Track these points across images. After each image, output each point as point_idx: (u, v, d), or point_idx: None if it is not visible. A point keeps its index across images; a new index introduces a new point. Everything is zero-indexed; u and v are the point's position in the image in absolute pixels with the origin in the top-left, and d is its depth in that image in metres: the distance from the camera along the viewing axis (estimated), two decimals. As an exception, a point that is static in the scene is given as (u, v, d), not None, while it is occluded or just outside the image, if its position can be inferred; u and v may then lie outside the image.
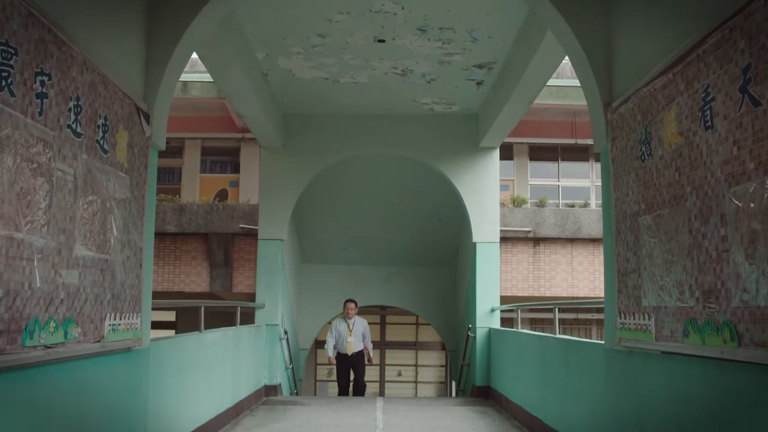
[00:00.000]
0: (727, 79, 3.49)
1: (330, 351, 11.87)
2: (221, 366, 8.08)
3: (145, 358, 5.26)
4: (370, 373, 19.19)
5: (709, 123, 3.66)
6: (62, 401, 3.95)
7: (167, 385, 6.07)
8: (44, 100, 3.58)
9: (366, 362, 12.12)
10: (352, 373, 12.04)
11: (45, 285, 3.59)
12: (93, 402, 4.38)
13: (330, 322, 12.53)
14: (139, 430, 5.13)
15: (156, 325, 6.67)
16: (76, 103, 3.97)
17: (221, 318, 12.96)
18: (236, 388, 8.77)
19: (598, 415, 5.60)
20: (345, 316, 11.95)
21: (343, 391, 12.00)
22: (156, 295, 5.78)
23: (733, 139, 3.41)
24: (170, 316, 18.24)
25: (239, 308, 9.97)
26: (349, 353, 11.78)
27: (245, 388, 9.32)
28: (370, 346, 12.13)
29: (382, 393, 19.04)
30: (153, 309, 5.55)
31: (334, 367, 12.29)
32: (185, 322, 16.76)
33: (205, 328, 7.67)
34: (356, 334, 11.81)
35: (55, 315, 3.70)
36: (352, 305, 12.00)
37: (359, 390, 11.95)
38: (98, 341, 4.30)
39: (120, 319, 4.66)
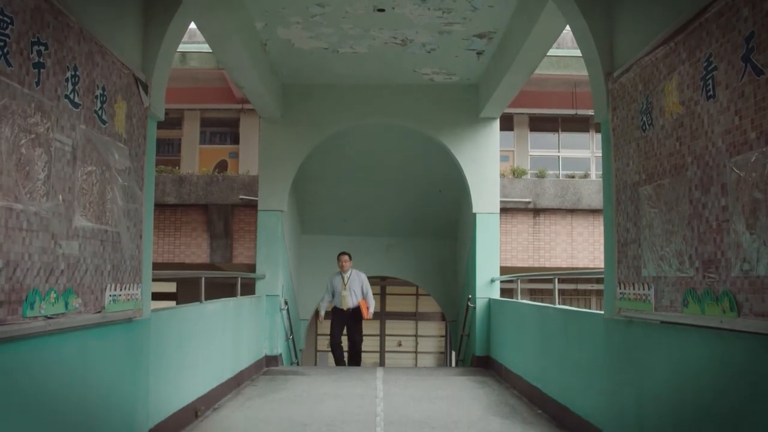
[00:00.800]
0: (729, 47, 3.46)
1: (322, 309, 11.70)
2: (222, 336, 8.12)
3: (145, 329, 5.28)
4: (371, 344, 19.31)
5: (711, 92, 3.63)
6: (63, 372, 3.97)
7: (168, 356, 6.10)
8: (41, 70, 3.55)
9: (364, 317, 11.46)
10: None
11: (45, 256, 3.59)
12: (94, 372, 4.40)
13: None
14: (140, 400, 5.16)
15: (156, 296, 6.69)
16: (73, 73, 3.94)
17: (222, 289, 12.99)
18: (237, 358, 8.82)
19: (597, 385, 5.64)
20: (340, 270, 11.51)
21: (335, 345, 11.52)
22: (156, 266, 5.79)
23: (735, 109, 3.40)
24: (171, 288, 18.31)
25: (239, 279, 10.00)
26: (345, 308, 11.32)
27: (246, 359, 9.38)
28: (370, 300, 11.54)
29: (382, 363, 19.16)
30: (153, 280, 5.56)
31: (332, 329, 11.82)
32: (186, 293, 16.82)
33: (206, 299, 7.70)
34: (352, 289, 11.33)
35: (55, 286, 3.71)
36: (346, 257, 11.52)
37: (354, 356, 11.49)
38: (99, 312, 4.31)
39: (120, 290, 4.67)
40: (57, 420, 3.87)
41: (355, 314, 11.37)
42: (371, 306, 11.49)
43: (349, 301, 11.30)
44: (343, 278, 11.39)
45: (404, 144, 12.39)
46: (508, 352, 9.60)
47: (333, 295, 11.48)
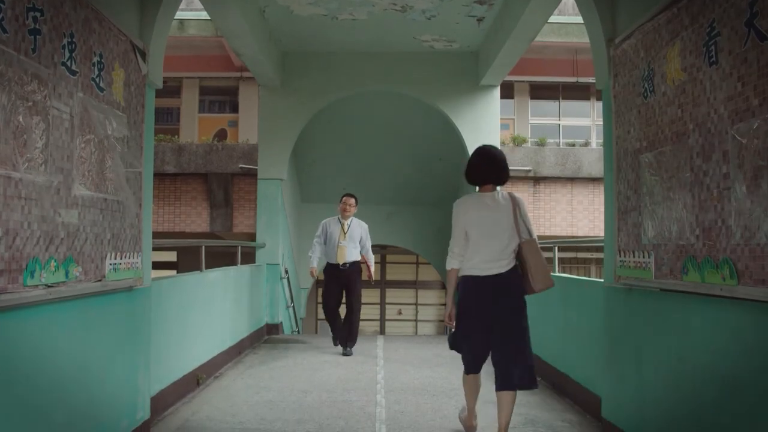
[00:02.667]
0: (732, 12, 3.42)
1: (314, 260, 9.24)
2: (223, 305, 8.15)
3: (146, 298, 5.29)
4: (371, 312, 19.38)
5: (714, 58, 3.60)
6: (64, 340, 3.98)
7: (169, 324, 6.13)
8: (37, 37, 3.51)
9: (367, 279, 9.46)
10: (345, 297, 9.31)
11: (44, 224, 3.58)
12: (95, 341, 4.41)
13: None
14: (141, 368, 5.19)
15: (157, 265, 6.69)
16: (70, 39, 3.90)
17: (222, 258, 13.01)
18: (238, 326, 8.86)
19: (596, 353, 5.67)
20: (340, 215, 9.23)
21: (331, 315, 9.20)
22: (157, 235, 5.79)
23: (738, 75, 3.36)
24: (171, 257, 18.36)
25: (240, 248, 10.01)
26: (341, 263, 9.02)
27: (247, 327, 9.42)
28: (371, 257, 9.40)
29: (382, 331, 19.27)
30: (154, 249, 5.55)
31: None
32: (186, 262, 16.87)
33: (206, 268, 7.71)
34: (352, 238, 9.09)
35: (55, 254, 3.70)
36: (352, 201, 9.23)
37: (351, 324, 9.17)
38: (99, 280, 4.32)
39: (121, 259, 4.67)
40: (58, 388, 3.89)
41: (353, 272, 9.18)
42: (371, 263, 9.46)
43: (348, 254, 9.07)
44: (342, 225, 9.15)
45: (404, 112, 12.34)
46: (507, 320, 9.62)
47: (326, 245, 9.21)
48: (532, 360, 4.76)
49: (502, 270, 4.75)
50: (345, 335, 9.15)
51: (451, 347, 5.06)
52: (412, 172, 13.93)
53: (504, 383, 4.68)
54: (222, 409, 6.02)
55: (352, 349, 9.15)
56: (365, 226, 9.32)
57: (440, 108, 11.36)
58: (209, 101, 18.68)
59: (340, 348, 9.22)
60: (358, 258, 9.19)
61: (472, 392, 5.06)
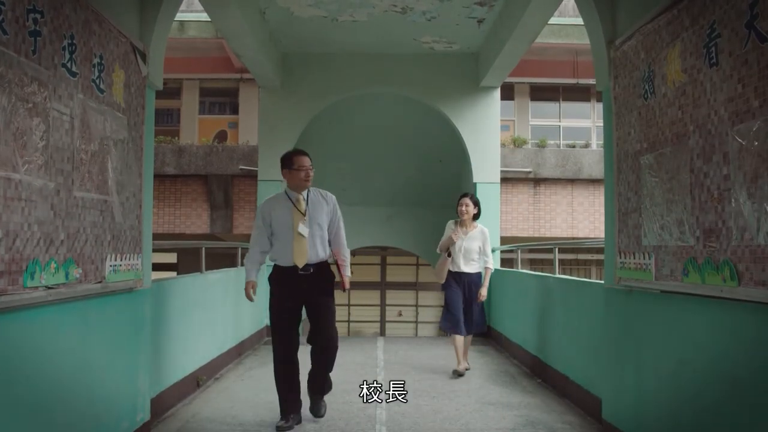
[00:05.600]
0: (733, 14, 3.42)
1: (253, 272, 5.79)
2: (223, 306, 8.14)
3: (146, 299, 5.29)
4: (371, 314, 19.35)
5: (714, 60, 3.60)
6: (64, 342, 3.98)
7: (169, 326, 6.12)
8: (37, 39, 3.51)
9: (341, 289, 5.72)
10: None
11: (44, 226, 3.58)
12: (95, 342, 4.41)
13: None
14: (141, 370, 5.18)
15: (157, 267, 6.66)
16: (70, 41, 3.90)
17: (222, 260, 12.99)
18: (238, 328, 8.85)
19: (597, 354, 5.66)
20: (291, 186, 5.59)
21: (284, 361, 5.47)
22: (157, 236, 5.78)
23: (738, 77, 3.36)
24: (171, 258, 18.35)
25: (240, 249, 10.00)
26: (300, 266, 5.41)
27: (247, 329, 9.41)
28: (345, 253, 5.72)
29: (382, 333, 19.24)
30: (154, 251, 5.55)
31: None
32: (186, 264, 16.86)
33: (206, 270, 7.71)
34: (315, 221, 5.50)
35: (55, 256, 3.70)
36: (306, 161, 5.53)
37: (325, 362, 5.61)
38: (99, 282, 4.31)
39: (121, 260, 4.67)
40: (58, 389, 3.88)
41: (322, 279, 5.55)
42: (346, 260, 5.73)
43: (310, 250, 5.46)
44: (297, 203, 5.55)
45: (404, 113, 12.33)
46: (508, 322, 9.64)
47: (272, 239, 5.73)
48: (483, 318, 8.19)
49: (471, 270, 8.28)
50: (313, 381, 5.73)
51: (443, 328, 8.23)
52: (413, 174, 13.91)
53: (468, 331, 7.85)
54: (222, 410, 6.02)
55: (325, 406, 5.80)
56: (333, 199, 5.78)
57: (440, 109, 11.35)
58: (209, 103, 18.70)
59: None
60: (326, 256, 5.62)
61: (459, 347, 7.83)
